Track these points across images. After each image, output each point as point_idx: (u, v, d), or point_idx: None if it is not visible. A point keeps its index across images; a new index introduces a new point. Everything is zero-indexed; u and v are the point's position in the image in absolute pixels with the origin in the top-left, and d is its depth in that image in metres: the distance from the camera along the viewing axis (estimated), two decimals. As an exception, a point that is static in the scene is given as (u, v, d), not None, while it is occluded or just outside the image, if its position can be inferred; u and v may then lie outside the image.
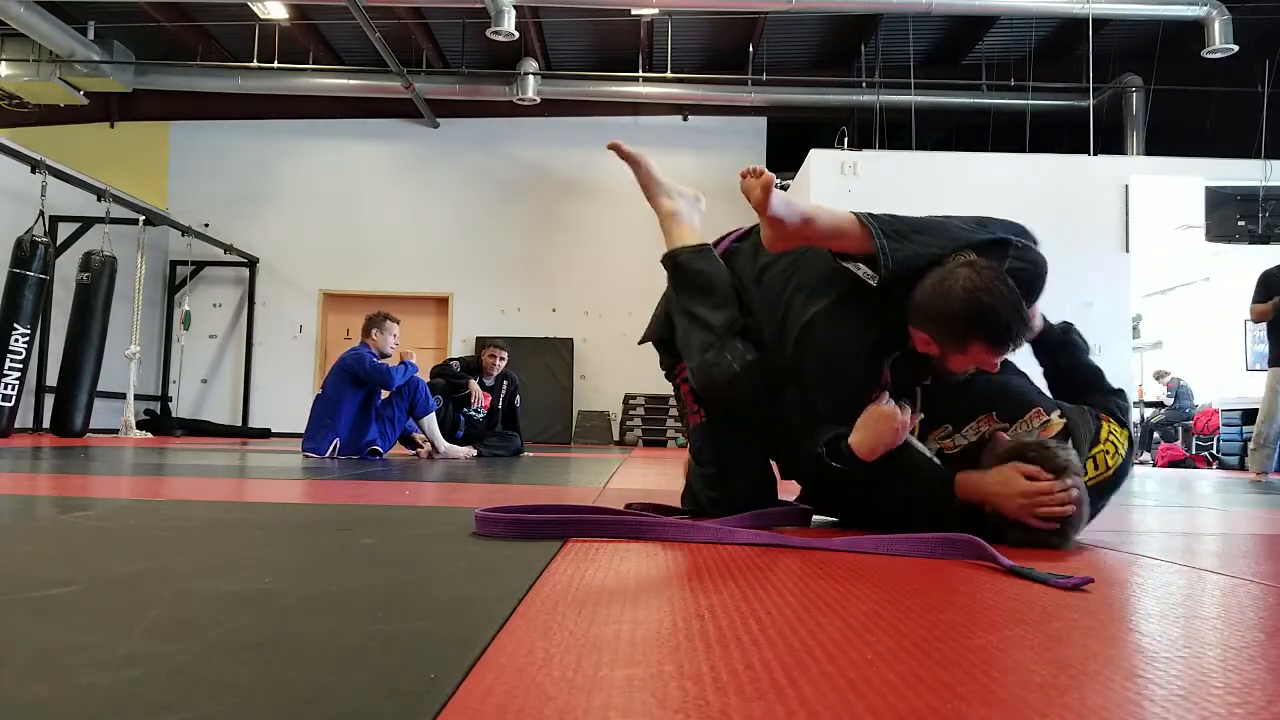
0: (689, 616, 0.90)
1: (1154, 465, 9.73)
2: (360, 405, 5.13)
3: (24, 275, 7.36)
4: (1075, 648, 0.81)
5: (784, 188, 11.36)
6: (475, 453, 5.60)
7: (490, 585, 1.09)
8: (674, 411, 11.45)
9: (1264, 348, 9.14)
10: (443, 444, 5.36)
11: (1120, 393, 1.93)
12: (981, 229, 1.76)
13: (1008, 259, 1.70)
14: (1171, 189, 9.01)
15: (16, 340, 7.34)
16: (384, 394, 5.21)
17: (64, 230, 8.97)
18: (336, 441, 4.99)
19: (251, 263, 11.51)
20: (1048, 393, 1.92)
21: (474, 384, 6.12)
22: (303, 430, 5.33)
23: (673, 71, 10.54)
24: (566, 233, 11.70)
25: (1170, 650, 0.82)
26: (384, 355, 5.18)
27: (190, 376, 11.50)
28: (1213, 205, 9.06)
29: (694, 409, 1.93)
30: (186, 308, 10.76)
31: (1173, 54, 9.91)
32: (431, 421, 5.33)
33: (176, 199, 11.62)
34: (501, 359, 6.28)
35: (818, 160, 8.92)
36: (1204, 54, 8.93)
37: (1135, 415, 9.86)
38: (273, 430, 11.13)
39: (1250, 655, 0.82)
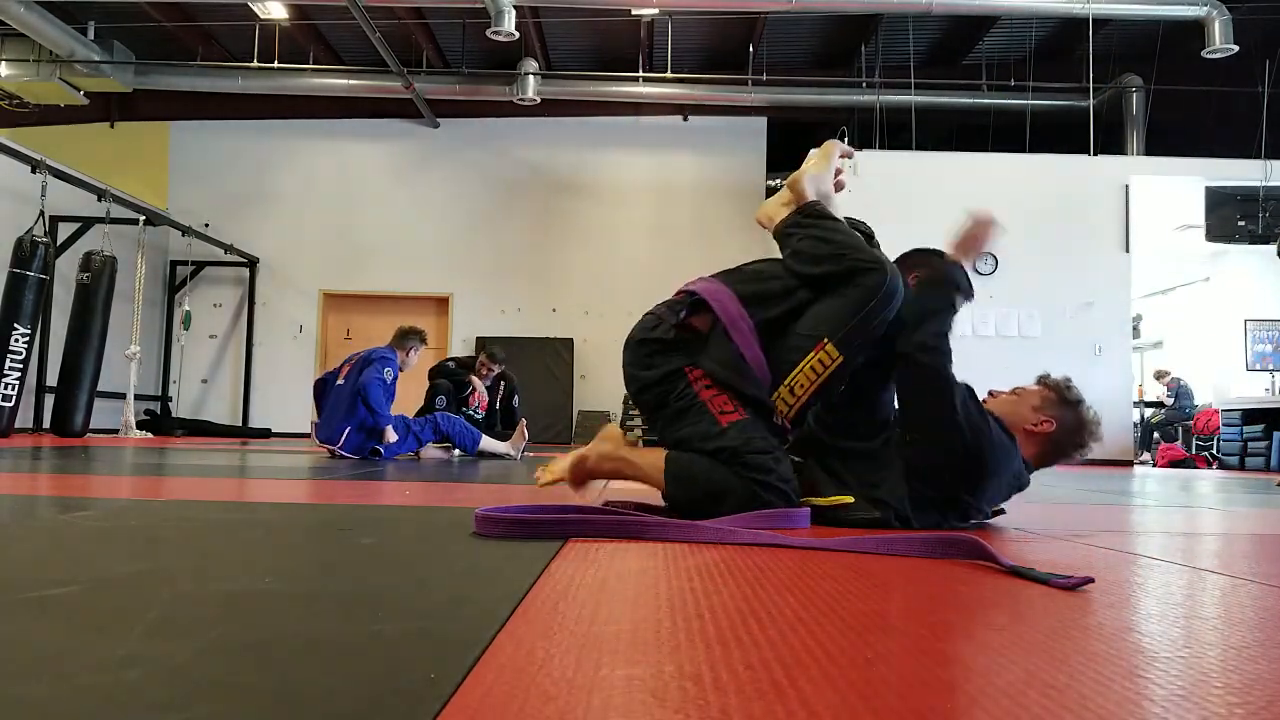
0: (689, 616, 0.90)
1: (1154, 465, 9.74)
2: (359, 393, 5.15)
3: (24, 275, 7.37)
4: (1075, 648, 0.81)
5: (775, 189, 11.38)
6: (522, 444, 5.66)
7: (490, 585, 1.09)
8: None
9: (1265, 348, 9.15)
10: (502, 447, 5.46)
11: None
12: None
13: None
14: (1171, 189, 9.01)
15: (16, 340, 7.34)
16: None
17: (64, 230, 8.98)
18: (348, 430, 5.02)
19: (251, 263, 11.51)
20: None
21: (476, 380, 6.18)
22: (304, 430, 5.34)
23: (673, 71, 10.54)
24: (566, 233, 11.70)
25: (1170, 650, 0.82)
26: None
27: (190, 376, 11.50)
28: (1213, 205, 9.06)
29: (730, 408, 1.90)
30: (186, 308, 10.76)
31: (1173, 54, 9.91)
32: (490, 444, 5.41)
33: (176, 199, 11.63)
34: (490, 371, 6.38)
35: (818, 160, 8.92)
36: (1204, 54, 8.92)
37: (1135, 415, 9.90)
38: (273, 430, 11.12)
39: (1250, 655, 0.82)
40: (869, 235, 2.21)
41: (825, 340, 1.91)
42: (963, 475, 1.90)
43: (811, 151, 2.28)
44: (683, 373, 1.96)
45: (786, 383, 1.93)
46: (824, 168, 2.22)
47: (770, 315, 1.99)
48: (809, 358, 1.91)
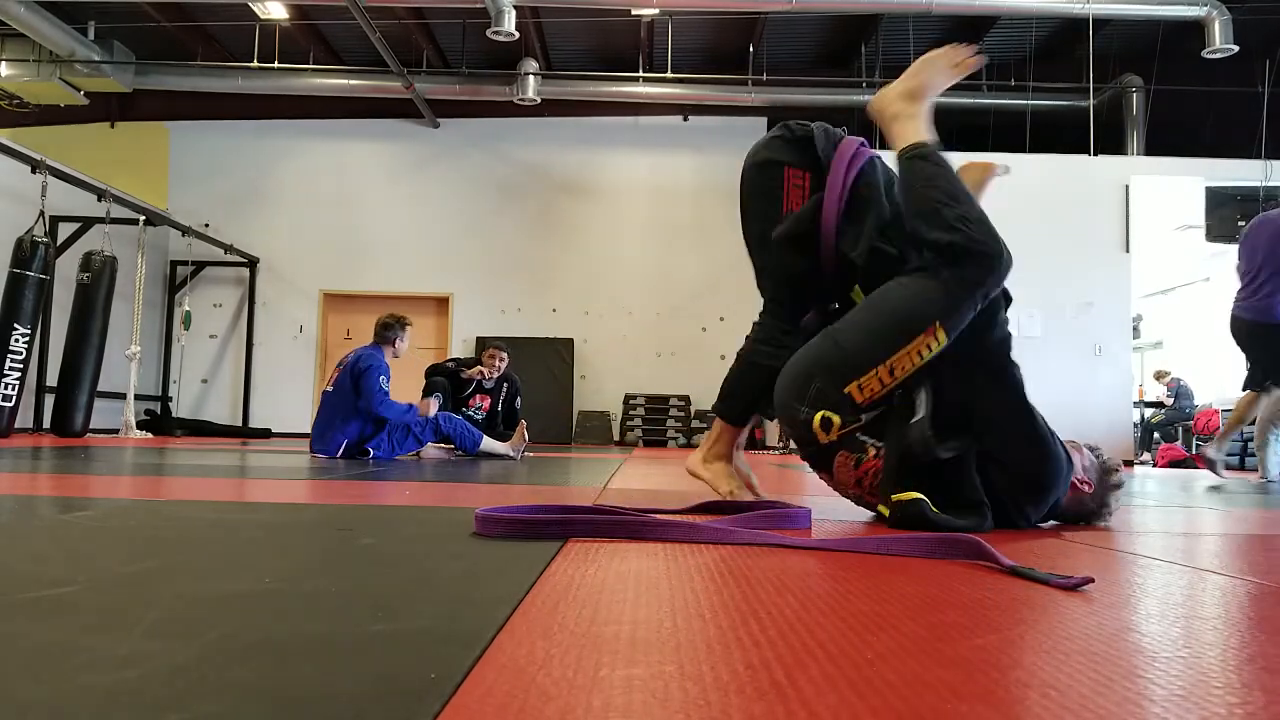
0: (689, 616, 0.90)
1: (1154, 465, 9.73)
2: (364, 409, 5.11)
3: (24, 275, 7.37)
4: (1075, 648, 0.81)
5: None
6: (522, 446, 5.67)
7: (490, 585, 1.09)
8: (675, 412, 11.45)
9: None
10: (502, 447, 5.47)
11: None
12: None
13: None
14: (1171, 189, 9.02)
15: (17, 340, 7.34)
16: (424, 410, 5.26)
17: (64, 230, 8.98)
18: (345, 443, 5.00)
19: (251, 263, 11.52)
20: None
21: (470, 371, 6.19)
22: (304, 430, 5.34)
23: (673, 71, 10.55)
24: (566, 233, 11.71)
25: (1170, 650, 0.82)
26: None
27: (190, 376, 11.51)
28: (1213, 205, 9.06)
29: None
30: (187, 308, 10.77)
31: (1173, 54, 9.91)
32: (490, 444, 5.41)
33: (176, 199, 11.64)
34: (502, 360, 6.30)
35: (818, 160, 8.92)
36: (1204, 54, 8.93)
37: (1135, 415, 9.89)
38: (273, 430, 11.13)
39: (1250, 655, 0.82)
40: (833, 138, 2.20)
41: (936, 324, 1.76)
42: (1047, 468, 1.90)
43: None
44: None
45: (887, 363, 1.78)
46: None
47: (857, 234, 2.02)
48: (916, 342, 1.76)
